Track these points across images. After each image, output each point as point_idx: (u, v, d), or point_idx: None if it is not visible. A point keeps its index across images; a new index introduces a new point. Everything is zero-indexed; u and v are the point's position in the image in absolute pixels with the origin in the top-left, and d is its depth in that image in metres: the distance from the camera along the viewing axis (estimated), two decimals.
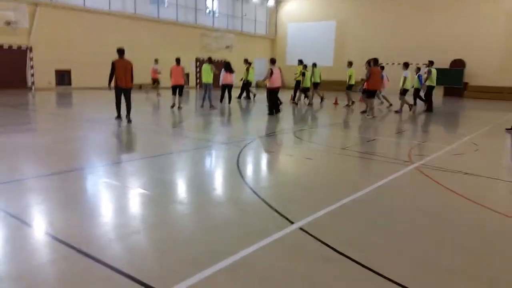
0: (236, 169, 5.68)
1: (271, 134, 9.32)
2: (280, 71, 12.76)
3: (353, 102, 16.70)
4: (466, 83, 27.53)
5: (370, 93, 12.86)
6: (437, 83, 27.12)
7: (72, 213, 3.83)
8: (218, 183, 5.22)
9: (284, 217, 3.77)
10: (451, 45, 27.56)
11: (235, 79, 16.58)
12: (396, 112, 14.41)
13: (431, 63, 15.08)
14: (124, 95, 10.09)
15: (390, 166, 6.27)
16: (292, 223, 3.63)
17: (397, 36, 29.71)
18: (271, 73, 12.35)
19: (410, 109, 14.92)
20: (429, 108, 15.08)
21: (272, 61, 12.69)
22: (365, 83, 13.03)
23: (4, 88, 19.59)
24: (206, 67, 14.48)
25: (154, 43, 25.82)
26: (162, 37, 26.44)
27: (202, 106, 14.45)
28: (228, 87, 15.56)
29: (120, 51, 9.95)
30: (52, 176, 5.07)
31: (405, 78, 14.41)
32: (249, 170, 5.89)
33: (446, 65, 27.76)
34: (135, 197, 4.45)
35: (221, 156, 6.88)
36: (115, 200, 4.35)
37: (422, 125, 12.35)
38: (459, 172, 5.98)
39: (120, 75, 9.78)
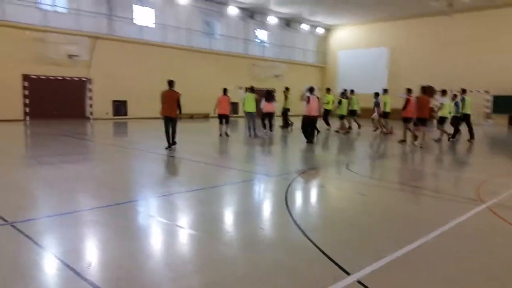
0: (284, 206, 5.33)
1: (320, 166, 8.91)
2: (318, 100, 12.80)
3: (382, 131, 16.50)
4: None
5: (420, 121, 12.36)
6: (500, 111, 25.48)
7: (115, 253, 3.66)
8: (266, 222, 4.89)
9: (339, 266, 3.36)
10: None
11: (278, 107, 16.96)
12: (436, 141, 13.62)
13: (463, 91, 14.29)
14: (171, 123, 10.49)
15: (456, 206, 5.65)
16: (349, 274, 3.21)
17: (453, 62, 28.41)
18: (308, 101, 12.35)
19: (449, 139, 14.04)
20: (454, 135, 14.28)
21: (311, 90, 12.68)
22: (411, 112, 12.72)
23: (64, 118, 20.76)
24: (249, 96, 14.65)
25: (206, 73, 26.51)
26: (213, 67, 27.11)
27: (250, 135, 14.39)
28: (269, 115, 15.53)
29: (169, 82, 10.52)
30: (98, 210, 5.00)
31: (441, 105, 13.78)
32: (298, 208, 5.51)
33: (509, 92, 26.04)
34: (181, 236, 4.23)
35: (268, 190, 6.56)
36: (161, 239, 4.16)
37: (486, 158, 11.39)
38: None
39: (166, 104, 10.35)
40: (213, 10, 27.55)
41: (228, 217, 5.04)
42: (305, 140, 12.54)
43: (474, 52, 27.61)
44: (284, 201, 5.57)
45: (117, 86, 22.76)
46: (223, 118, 14.03)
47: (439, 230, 4.41)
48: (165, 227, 4.47)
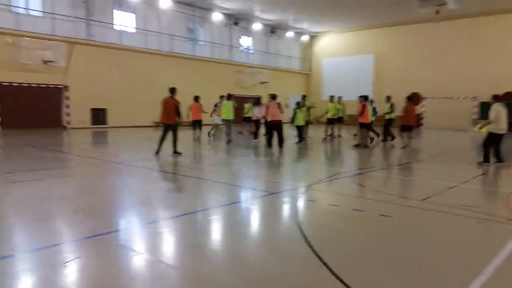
0: (299, 235, 4.39)
1: (325, 180, 8.01)
2: (279, 106, 12.96)
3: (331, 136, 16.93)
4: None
5: (406, 128, 13.75)
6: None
7: None
8: (280, 258, 3.89)
9: None
10: (500, 77, 25.68)
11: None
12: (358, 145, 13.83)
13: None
14: (170, 131, 10.68)
15: (497, 228, 4.82)
16: None
17: (437, 68, 28.29)
18: (268, 107, 12.99)
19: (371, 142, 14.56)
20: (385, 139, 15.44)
21: (272, 97, 13.07)
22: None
23: (39, 127, 19.43)
24: (226, 103, 14.94)
25: (190, 80, 25.50)
26: (197, 74, 26.16)
27: (228, 142, 14.66)
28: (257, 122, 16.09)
29: (170, 90, 10.79)
30: (74, 245, 3.97)
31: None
32: (318, 238, 4.37)
33: (489, 97, 25.83)
34: (165, 279, 3.25)
35: (273, 214, 5.57)
36: (142, 284, 3.17)
37: (497, 168, 10.69)
38: None
39: (163, 111, 10.63)
40: (196, 16, 26.63)
41: (225, 251, 4.04)
42: (267, 145, 12.93)
43: (458, 59, 27.47)
44: (299, 229, 4.64)
45: (95, 93, 21.52)
46: (195, 124, 15.32)
47: (492, 265, 3.56)
48: (147, 266, 3.48)
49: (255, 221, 5.21)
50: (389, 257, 3.84)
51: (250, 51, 31.01)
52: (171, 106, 10.44)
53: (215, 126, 17.55)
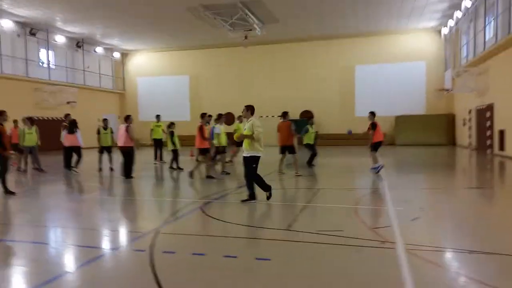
0: None
1: (176, 216, 6.78)
2: (126, 130, 11.15)
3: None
4: (316, 132, 29.07)
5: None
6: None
7: None
8: None
9: None
10: (299, 97, 29.21)
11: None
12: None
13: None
14: None
15: (378, 256, 4.55)
16: None
17: (247, 90, 30.38)
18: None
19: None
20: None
21: (126, 118, 11.61)
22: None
23: None
24: (23, 130, 13.27)
25: None
26: None
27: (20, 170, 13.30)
28: (74, 149, 13.26)
29: None
30: None
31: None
32: None
33: (296, 115, 28.94)
34: None
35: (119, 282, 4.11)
36: None
37: (323, 180, 11.35)
38: (462, 251, 4.63)
39: None
40: None
41: None
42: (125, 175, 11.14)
43: (266, 81, 30.23)
44: None
45: None
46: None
47: None
48: None
49: None
50: None
51: (52, 66, 26.95)
52: None
53: None
